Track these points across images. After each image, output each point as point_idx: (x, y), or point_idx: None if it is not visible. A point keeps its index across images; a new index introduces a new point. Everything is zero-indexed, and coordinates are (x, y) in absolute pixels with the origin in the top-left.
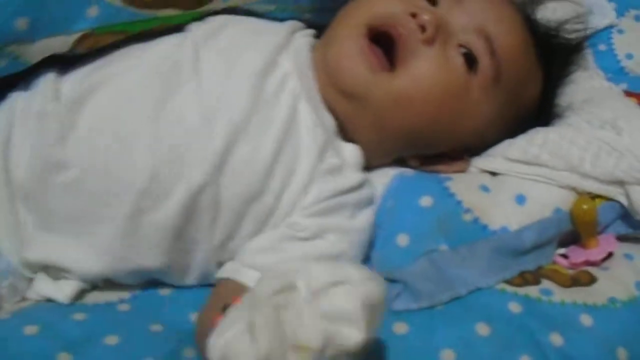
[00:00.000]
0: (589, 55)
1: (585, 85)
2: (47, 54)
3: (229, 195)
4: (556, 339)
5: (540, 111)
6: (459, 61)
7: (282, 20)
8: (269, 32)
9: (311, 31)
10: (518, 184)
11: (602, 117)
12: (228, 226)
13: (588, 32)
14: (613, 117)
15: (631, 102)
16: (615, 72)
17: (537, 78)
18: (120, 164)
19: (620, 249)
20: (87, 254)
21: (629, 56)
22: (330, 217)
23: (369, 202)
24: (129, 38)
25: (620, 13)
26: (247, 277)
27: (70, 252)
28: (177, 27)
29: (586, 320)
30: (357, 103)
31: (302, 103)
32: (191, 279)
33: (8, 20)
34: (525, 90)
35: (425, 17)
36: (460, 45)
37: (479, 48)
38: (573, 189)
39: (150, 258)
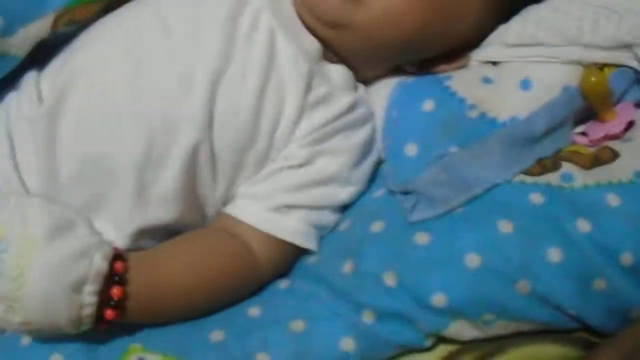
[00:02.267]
0: None
1: None
2: (32, 43)
3: (223, 148)
4: (583, 225)
5: None
6: None
7: None
8: None
9: None
10: (520, 68)
11: None
12: (228, 176)
13: None
14: None
15: None
16: None
17: None
18: (114, 148)
19: None
20: (107, 231)
21: None
22: (323, 144)
23: (363, 121)
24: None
25: None
26: (240, 208)
27: None
28: None
29: (613, 200)
30: (340, 29)
31: (279, 37)
32: None
33: None
34: None
35: None
36: None
37: None
38: (578, 62)
39: (165, 220)
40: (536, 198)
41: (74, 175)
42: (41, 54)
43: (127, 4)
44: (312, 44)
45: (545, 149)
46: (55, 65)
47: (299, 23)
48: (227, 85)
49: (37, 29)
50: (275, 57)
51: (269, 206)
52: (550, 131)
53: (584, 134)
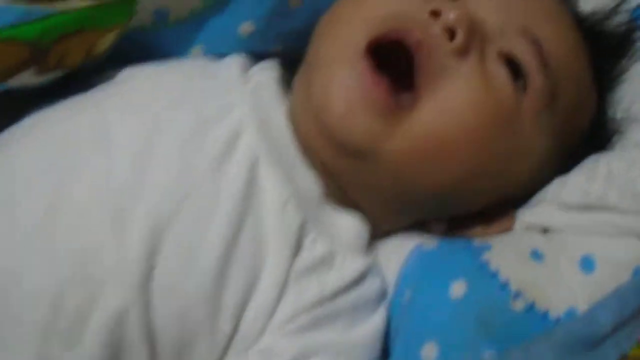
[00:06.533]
0: None
1: None
2: None
3: (165, 322)
4: None
5: (593, 130)
6: (503, 77)
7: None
8: (209, 74)
9: (273, 63)
10: (581, 241)
11: None
12: None
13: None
14: None
15: None
16: None
17: (593, 91)
18: (11, 295)
19: None
20: None
21: None
22: (317, 332)
23: (376, 299)
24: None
25: None
26: None
27: None
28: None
29: None
30: (361, 161)
31: (263, 168)
32: None
33: None
34: (582, 110)
35: (453, 16)
36: (502, 55)
37: (528, 57)
38: None
39: None
40: None
41: None
42: None
43: (65, 101)
44: (312, 185)
45: (607, 355)
46: None
47: (294, 152)
48: (177, 234)
49: None
50: (253, 200)
51: None
52: (615, 330)
53: None
